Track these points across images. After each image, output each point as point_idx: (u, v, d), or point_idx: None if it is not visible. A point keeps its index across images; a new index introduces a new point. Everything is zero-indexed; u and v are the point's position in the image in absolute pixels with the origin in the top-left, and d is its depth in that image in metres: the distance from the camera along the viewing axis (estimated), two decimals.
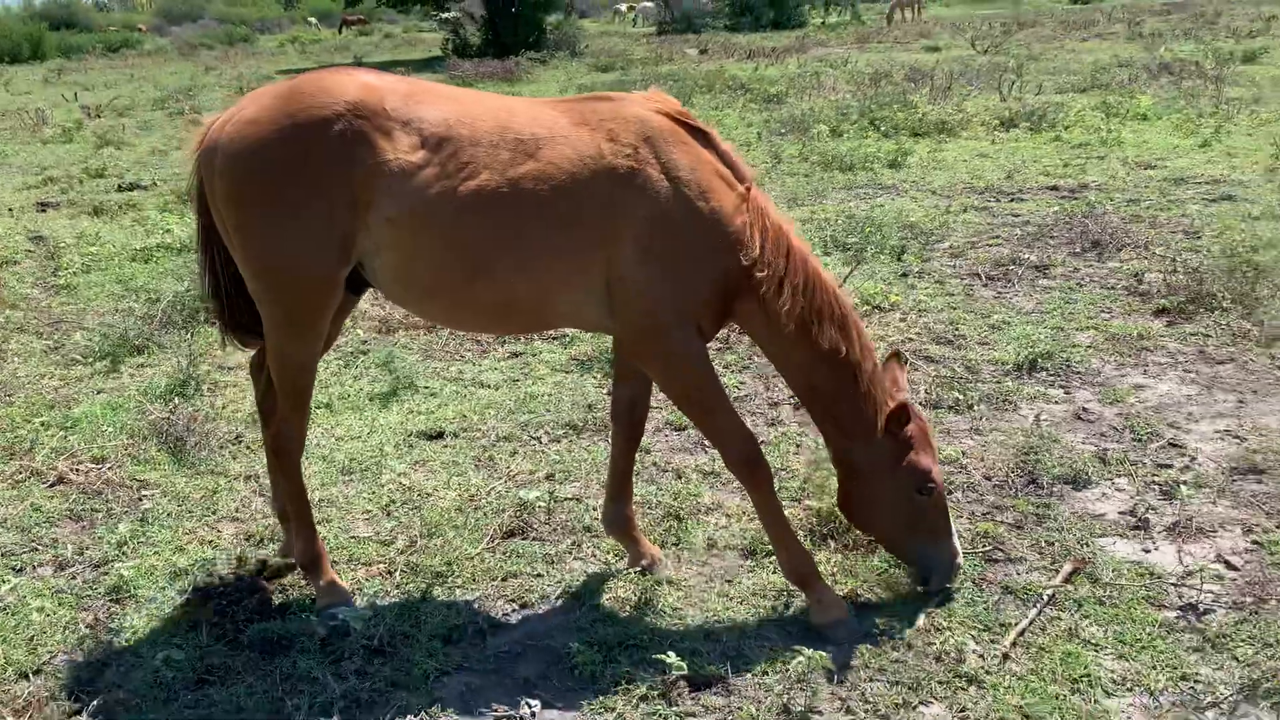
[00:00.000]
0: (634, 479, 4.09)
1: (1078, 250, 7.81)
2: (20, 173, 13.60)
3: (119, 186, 12.34)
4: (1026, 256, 7.69)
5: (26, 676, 3.43)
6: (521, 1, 36.07)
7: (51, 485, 4.84)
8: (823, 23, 43.62)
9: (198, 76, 29.07)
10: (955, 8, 47.71)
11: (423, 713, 3.19)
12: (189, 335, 6.39)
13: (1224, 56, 18.98)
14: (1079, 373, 5.60)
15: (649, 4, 52.51)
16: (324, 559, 3.76)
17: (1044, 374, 5.59)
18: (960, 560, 3.66)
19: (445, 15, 40.10)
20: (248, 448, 5.19)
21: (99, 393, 5.95)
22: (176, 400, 5.48)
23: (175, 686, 3.35)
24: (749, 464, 3.51)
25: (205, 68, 32.88)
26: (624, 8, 61.74)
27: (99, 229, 10.05)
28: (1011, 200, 9.63)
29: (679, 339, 3.39)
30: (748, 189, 3.47)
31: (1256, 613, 3.48)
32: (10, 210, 11.11)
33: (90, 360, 6.43)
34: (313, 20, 65.53)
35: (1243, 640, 3.34)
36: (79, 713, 3.21)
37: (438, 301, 3.50)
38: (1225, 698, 3.07)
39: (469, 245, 3.32)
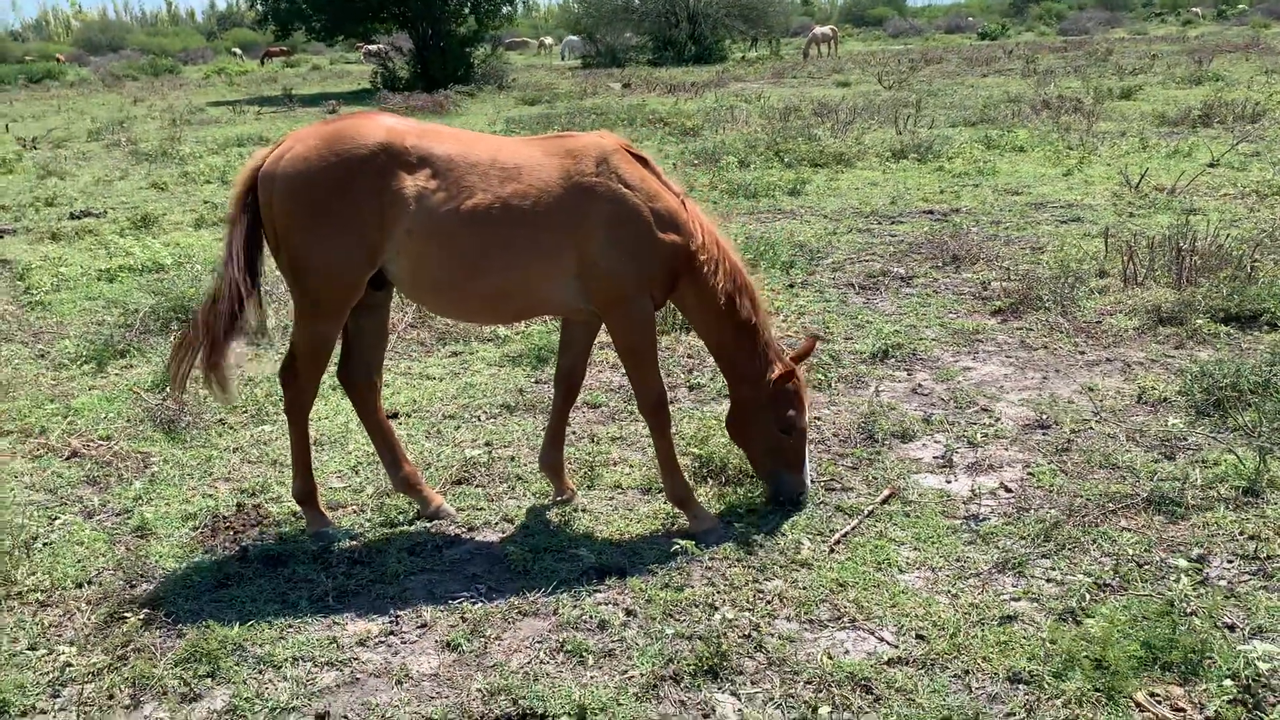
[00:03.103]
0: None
1: (939, 264, 9.09)
2: None
3: (72, 214, 13.07)
4: (895, 269, 8.96)
5: (81, 586, 4.39)
6: (449, 35, 37.01)
7: (67, 458, 5.75)
8: (743, 57, 45.28)
9: (127, 108, 29.62)
10: (869, 43, 49.73)
11: (396, 598, 4.23)
12: (170, 339, 7.32)
13: (1103, 93, 20.76)
14: (921, 359, 6.83)
15: (574, 38, 53.93)
16: (315, 495, 4.78)
17: (893, 361, 6.81)
18: (808, 488, 4.83)
19: (372, 49, 40.81)
20: (230, 428, 6.16)
21: (91, 389, 6.86)
22: (169, 390, 6.45)
23: (202, 588, 4.34)
24: (657, 410, 4.62)
25: (134, 99, 33.40)
26: (549, 40, 63.16)
27: (61, 253, 10.88)
28: (891, 223, 10.93)
29: (637, 305, 4.46)
30: (682, 196, 4.58)
31: (1018, 518, 4.68)
32: None
33: (79, 363, 7.33)
34: (237, 51, 65.89)
35: (1004, 535, 4.53)
36: (132, 603, 4.18)
37: (444, 296, 4.44)
38: (983, 571, 4.26)
39: (470, 250, 4.26)
